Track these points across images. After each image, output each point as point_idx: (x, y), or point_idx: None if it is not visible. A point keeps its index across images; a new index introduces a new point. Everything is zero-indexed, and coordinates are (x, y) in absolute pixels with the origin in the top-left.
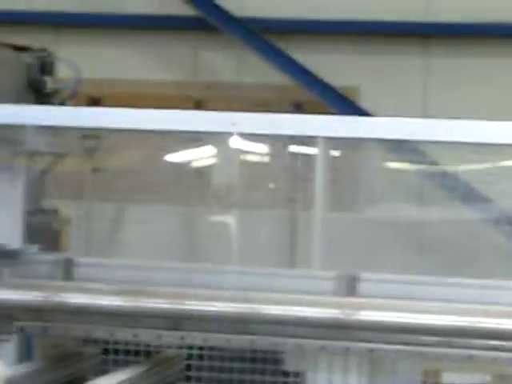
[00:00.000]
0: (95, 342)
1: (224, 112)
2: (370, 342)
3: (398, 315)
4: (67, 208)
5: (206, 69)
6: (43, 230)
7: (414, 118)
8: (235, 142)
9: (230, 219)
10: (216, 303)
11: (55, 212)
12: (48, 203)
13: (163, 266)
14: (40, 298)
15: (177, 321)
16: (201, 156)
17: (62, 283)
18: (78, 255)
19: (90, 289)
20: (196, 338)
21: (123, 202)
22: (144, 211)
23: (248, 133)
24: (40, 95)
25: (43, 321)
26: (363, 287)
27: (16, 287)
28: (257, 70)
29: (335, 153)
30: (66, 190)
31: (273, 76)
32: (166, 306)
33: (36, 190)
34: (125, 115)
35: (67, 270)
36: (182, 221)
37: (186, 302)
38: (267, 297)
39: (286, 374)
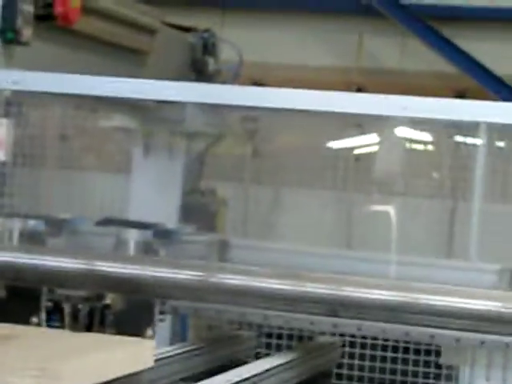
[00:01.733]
0: (249, 325)
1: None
2: None
3: None
4: (224, 189)
5: (368, 55)
6: (199, 210)
7: None
8: (395, 129)
9: (386, 207)
10: (375, 291)
11: (212, 193)
12: (206, 184)
13: (319, 252)
14: (196, 278)
15: (333, 307)
16: (359, 141)
17: (218, 264)
18: (234, 237)
19: (247, 270)
20: (350, 327)
21: (281, 185)
22: (301, 195)
23: (407, 119)
24: (202, 76)
25: (198, 301)
26: None
27: (172, 266)
28: (419, 57)
29: (499, 142)
30: (224, 172)
31: (436, 63)
32: (323, 291)
33: (194, 170)
34: (288, 96)
35: (222, 252)
36: (338, 206)
37: (345, 289)
38: (426, 287)
39: (439, 365)
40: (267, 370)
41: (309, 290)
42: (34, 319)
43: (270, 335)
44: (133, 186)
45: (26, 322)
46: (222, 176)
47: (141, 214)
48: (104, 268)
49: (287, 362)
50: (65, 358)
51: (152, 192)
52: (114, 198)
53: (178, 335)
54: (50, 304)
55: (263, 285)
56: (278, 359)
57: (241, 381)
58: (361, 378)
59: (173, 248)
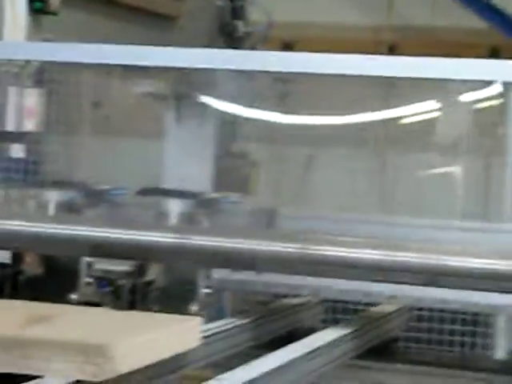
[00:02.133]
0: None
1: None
2: None
3: None
4: (257, 151)
5: (399, 12)
6: (232, 174)
7: None
8: (430, 90)
9: (425, 168)
10: (475, 259)
11: (244, 155)
12: (237, 147)
13: (368, 219)
14: (294, 250)
15: (431, 277)
16: (392, 103)
17: (313, 235)
18: (267, 200)
19: (342, 241)
20: (408, 299)
21: (314, 146)
22: (336, 157)
23: (443, 80)
24: (231, 39)
25: (294, 274)
26: None
27: (267, 238)
28: (451, 13)
29: None
30: (255, 134)
31: (467, 19)
32: (421, 260)
33: (225, 133)
34: (320, 61)
35: (269, 221)
36: (373, 168)
37: (442, 257)
38: None
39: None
40: (336, 339)
41: (406, 259)
42: (74, 296)
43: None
44: (165, 152)
45: (64, 299)
46: (254, 138)
47: (174, 179)
48: (198, 242)
49: (355, 331)
50: (108, 339)
51: (185, 157)
52: (146, 163)
53: (219, 310)
54: (89, 280)
55: (360, 255)
56: (345, 328)
57: (312, 351)
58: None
59: (217, 218)
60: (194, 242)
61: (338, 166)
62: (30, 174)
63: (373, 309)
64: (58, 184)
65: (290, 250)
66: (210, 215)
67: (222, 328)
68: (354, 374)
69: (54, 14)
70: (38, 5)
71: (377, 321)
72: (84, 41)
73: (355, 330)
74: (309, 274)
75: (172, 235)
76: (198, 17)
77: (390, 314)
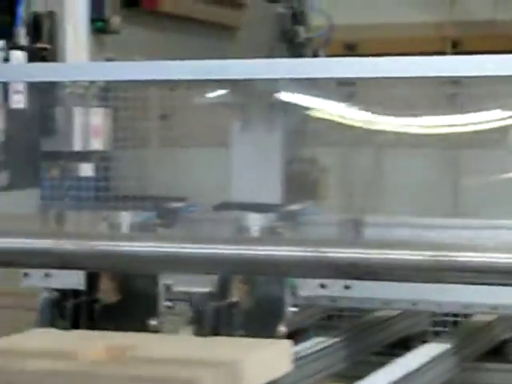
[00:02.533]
0: None
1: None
2: None
3: None
4: (325, 156)
5: (461, 8)
6: (300, 180)
7: None
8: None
9: (501, 169)
10: None
11: (313, 161)
12: (305, 152)
13: (453, 224)
14: (428, 258)
15: None
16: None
17: (446, 242)
18: (343, 208)
19: (473, 246)
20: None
21: (383, 148)
22: (403, 159)
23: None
24: (292, 45)
25: (430, 282)
26: None
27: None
28: None
29: None
30: (322, 138)
31: None
32: None
33: (293, 139)
34: (385, 65)
35: (357, 231)
36: (445, 167)
37: None
38: None
39: None
40: (449, 348)
41: None
42: (153, 322)
43: None
44: (235, 161)
45: (143, 326)
46: (321, 143)
47: (245, 188)
48: (332, 254)
49: (464, 339)
50: (190, 371)
51: (254, 165)
52: (217, 173)
53: None
54: (168, 304)
55: (495, 260)
56: (453, 337)
57: (429, 361)
58: None
59: (299, 230)
60: (329, 255)
61: (411, 168)
62: (101, 192)
63: (474, 318)
64: (133, 201)
65: (423, 258)
66: (295, 228)
67: (319, 347)
68: (468, 375)
69: (115, 33)
70: (99, 25)
71: (483, 328)
72: (146, 58)
73: (464, 339)
74: (448, 282)
75: (304, 249)
76: (259, 25)
77: (492, 321)
